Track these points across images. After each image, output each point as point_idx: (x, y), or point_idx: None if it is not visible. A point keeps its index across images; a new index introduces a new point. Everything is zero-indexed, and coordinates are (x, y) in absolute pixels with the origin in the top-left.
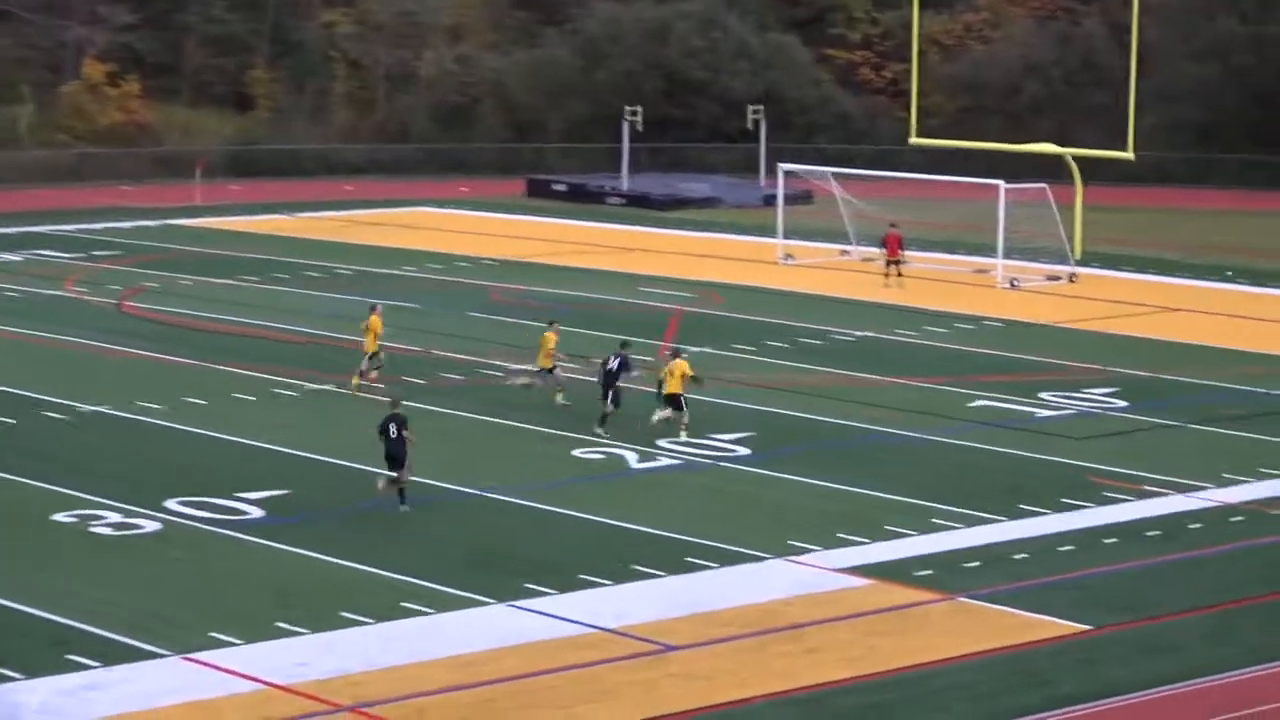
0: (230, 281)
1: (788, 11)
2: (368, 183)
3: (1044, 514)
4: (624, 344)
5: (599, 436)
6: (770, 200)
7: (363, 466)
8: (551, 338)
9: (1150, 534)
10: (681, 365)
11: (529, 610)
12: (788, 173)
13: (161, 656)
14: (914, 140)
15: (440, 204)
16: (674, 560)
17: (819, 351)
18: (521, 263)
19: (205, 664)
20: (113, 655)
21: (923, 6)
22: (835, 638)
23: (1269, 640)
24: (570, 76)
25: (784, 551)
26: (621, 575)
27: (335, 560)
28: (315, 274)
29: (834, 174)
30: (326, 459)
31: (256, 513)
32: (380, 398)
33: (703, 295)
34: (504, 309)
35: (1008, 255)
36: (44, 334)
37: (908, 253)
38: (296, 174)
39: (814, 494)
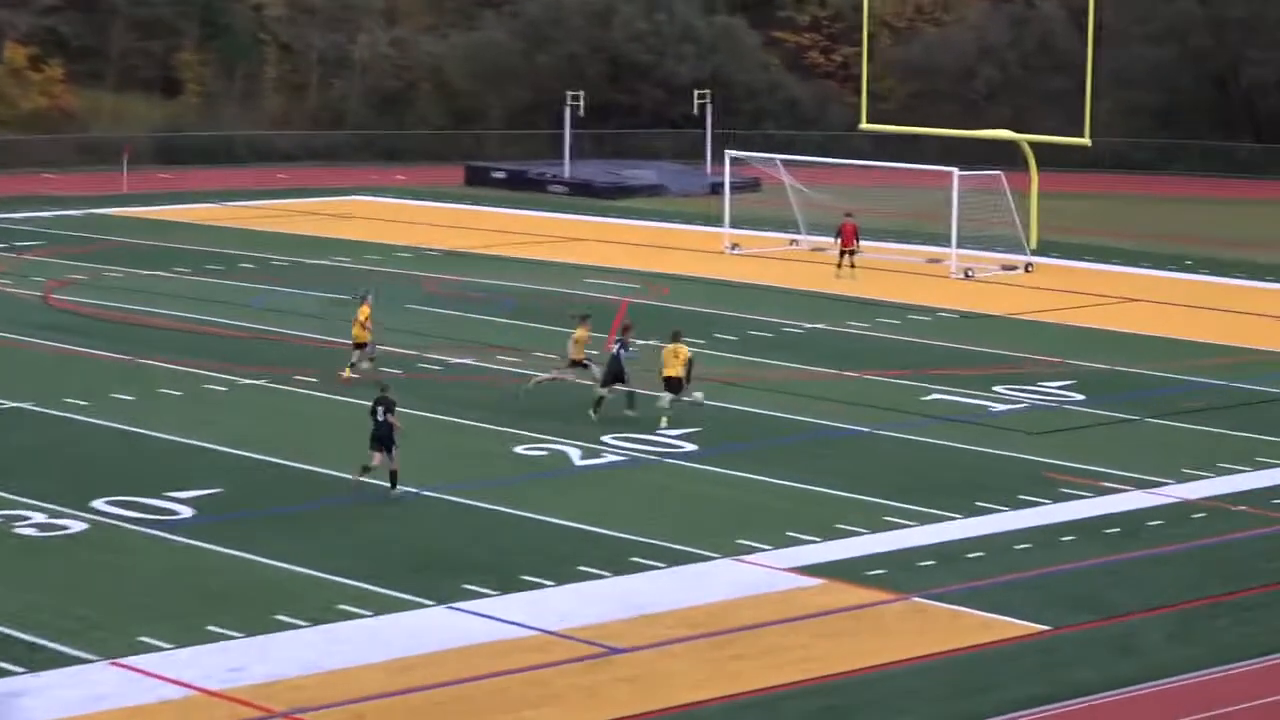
0: (159, 273)
1: None
2: (301, 170)
3: (1000, 511)
4: (625, 328)
5: (590, 418)
6: (717, 188)
7: (297, 464)
8: (682, 349)
9: (1109, 531)
10: (683, 350)
11: (470, 612)
12: (735, 159)
13: (89, 662)
14: (864, 126)
15: (376, 192)
16: (619, 560)
17: (768, 344)
18: (460, 253)
19: (135, 669)
20: (39, 661)
21: None
22: (786, 639)
23: (1232, 640)
24: (510, 60)
25: (733, 551)
26: (565, 576)
27: (269, 561)
28: (248, 265)
29: (782, 161)
30: (259, 456)
31: (187, 512)
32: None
33: (648, 286)
34: (443, 301)
35: (962, 244)
36: None
37: (861, 243)
38: (227, 161)
39: (763, 491)
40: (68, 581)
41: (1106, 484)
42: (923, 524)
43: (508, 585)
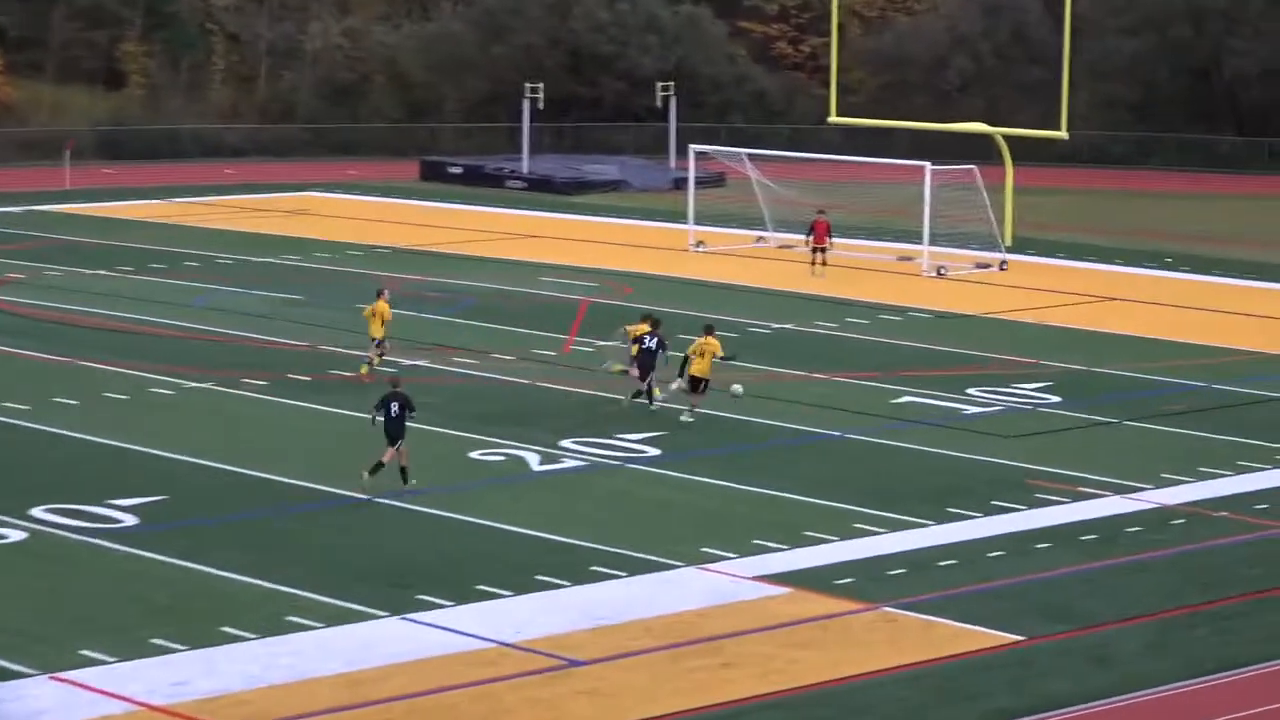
0: (102, 272)
1: None
2: (250, 165)
3: (974, 517)
4: (655, 322)
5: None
6: (681, 183)
7: (245, 471)
8: (713, 343)
9: (1086, 538)
10: (713, 344)
11: (423, 623)
12: (699, 154)
13: (28, 676)
14: (834, 119)
15: (328, 188)
16: (579, 569)
17: (734, 345)
18: (415, 251)
19: (75, 684)
20: None
21: None
22: (752, 650)
23: (1210, 651)
24: (467, 52)
25: (697, 559)
26: (523, 585)
27: (215, 571)
28: (193, 264)
29: (748, 155)
30: (206, 462)
31: (130, 520)
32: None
33: (609, 285)
34: (397, 301)
35: (934, 241)
36: None
37: (832, 240)
38: (173, 156)
39: (729, 497)
40: (5, 592)
41: (1083, 489)
42: (893, 531)
43: (463, 595)
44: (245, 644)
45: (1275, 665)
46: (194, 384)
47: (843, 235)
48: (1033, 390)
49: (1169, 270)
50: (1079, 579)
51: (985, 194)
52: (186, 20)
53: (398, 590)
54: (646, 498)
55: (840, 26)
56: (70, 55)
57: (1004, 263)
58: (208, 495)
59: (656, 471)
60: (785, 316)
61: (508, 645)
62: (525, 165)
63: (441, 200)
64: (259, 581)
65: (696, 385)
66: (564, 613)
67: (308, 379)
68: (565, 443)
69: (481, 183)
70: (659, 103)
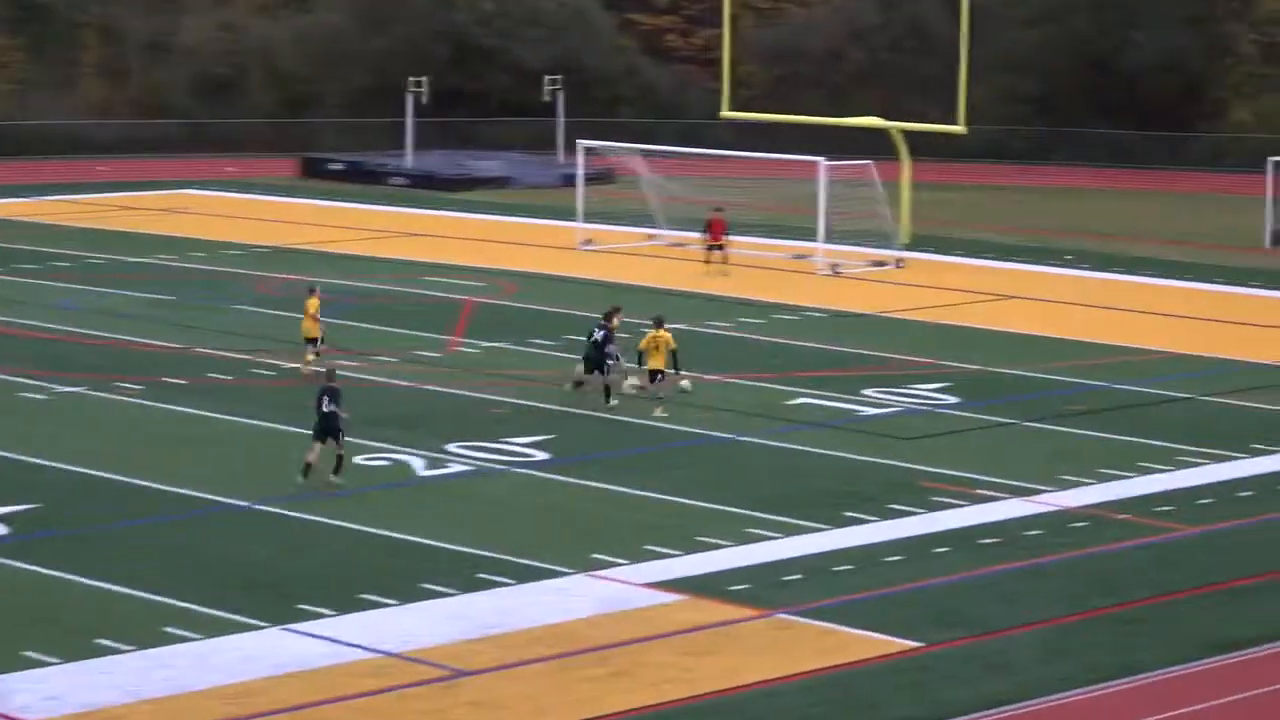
0: None
1: None
2: (122, 162)
3: (870, 521)
4: (607, 315)
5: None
6: (569, 180)
7: (121, 478)
8: (664, 336)
9: (984, 542)
10: (665, 337)
11: (306, 634)
12: (588, 149)
13: None
14: (726, 113)
15: (204, 185)
16: (466, 577)
17: (624, 346)
18: (294, 250)
19: None
20: None
21: None
22: (644, 659)
23: (1110, 657)
24: (347, 44)
25: (587, 566)
26: (408, 594)
27: (90, 582)
28: (64, 264)
29: (639, 151)
30: (80, 469)
31: (0, 530)
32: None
33: (495, 284)
34: (275, 301)
35: (829, 239)
36: None
37: (728, 237)
38: (42, 153)
39: (620, 503)
40: None
41: (982, 492)
42: (788, 536)
43: (346, 605)
44: (122, 656)
45: (1178, 670)
46: (66, 388)
47: (736, 233)
48: (930, 391)
49: (1069, 268)
50: (977, 584)
51: (882, 190)
52: (56, 13)
53: (279, 600)
54: (535, 503)
55: (733, 19)
56: None
57: (901, 260)
58: (82, 503)
59: (545, 476)
60: (677, 316)
61: (393, 656)
62: (409, 161)
63: (322, 198)
64: (135, 592)
65: (654, 377)
66: (451, 622)
67: (184, 382)
68: (451, 447)
69: (363, 179)
70: (546, 97)
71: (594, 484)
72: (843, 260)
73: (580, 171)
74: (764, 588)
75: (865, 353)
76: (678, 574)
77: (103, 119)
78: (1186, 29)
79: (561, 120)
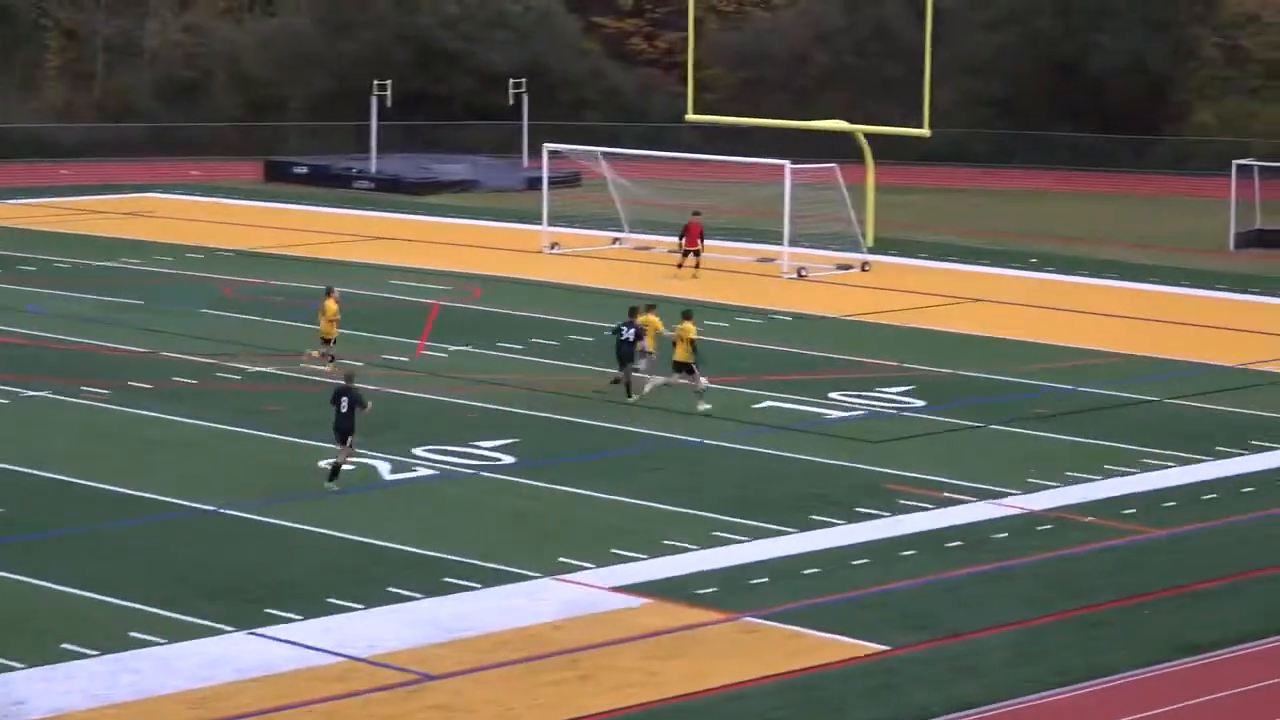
0: None
1: None
2: (86, 165)
3: (836, 525)
4: (633, 311)
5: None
6: (534, 183)
7: (86, 482)
8: (690, 328)
9: (951, 545)
10: (690, 329)
11: (272, 638)
12: (553, 153)
13: None
14: (691, 117)
15: (168, 189)
16: (432, 581)
17: (590, 350)
18: (259, 254)
19: None
20: None
21: None
22: (610, 663)
23: (1077, 660)
24: (311, 47)
25: (553, 570)
26: (374, 598)
27: (56, 586)
28: (29, 268)
29: (604, 154)
30: (45, 474)
31: None
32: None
33: (461, 288)
34: (240, 305)
35: (794, 242)
36: None
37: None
38: (4, 156)
39: (586, 506)
40: None
41: (948, 495)
42: (755, 539)
43: (312, 609)
44: (87, 661)
45: (1144, 673)
46: (31, 392)
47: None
48: (896, 394)
49: (1034, 271)
50: (944, 587)
51: (846, 193)
52: (19, 15)
53: (245, 604)
54: (501, 507)
55: (697, 22)
56: None
57: (866, 264)
58: (47, 507)
59: (511, 480)
60: None
61: (359, 660)
62: (373, 165)
63: (287, 201)
64: (101, 597)
65: (683, 369)
66: (417, 626)
67: (149, 386)
68: (418, 451)
69: (328, 183)
70: (511, 100)
71: (560, 487)
72: (808, 264)
73: (545, 174)
74: (730, 591)
75: (831, 356)
76: (644, 577)
77: (66, 122)
78: (1150, 32)
79: (526, 123)
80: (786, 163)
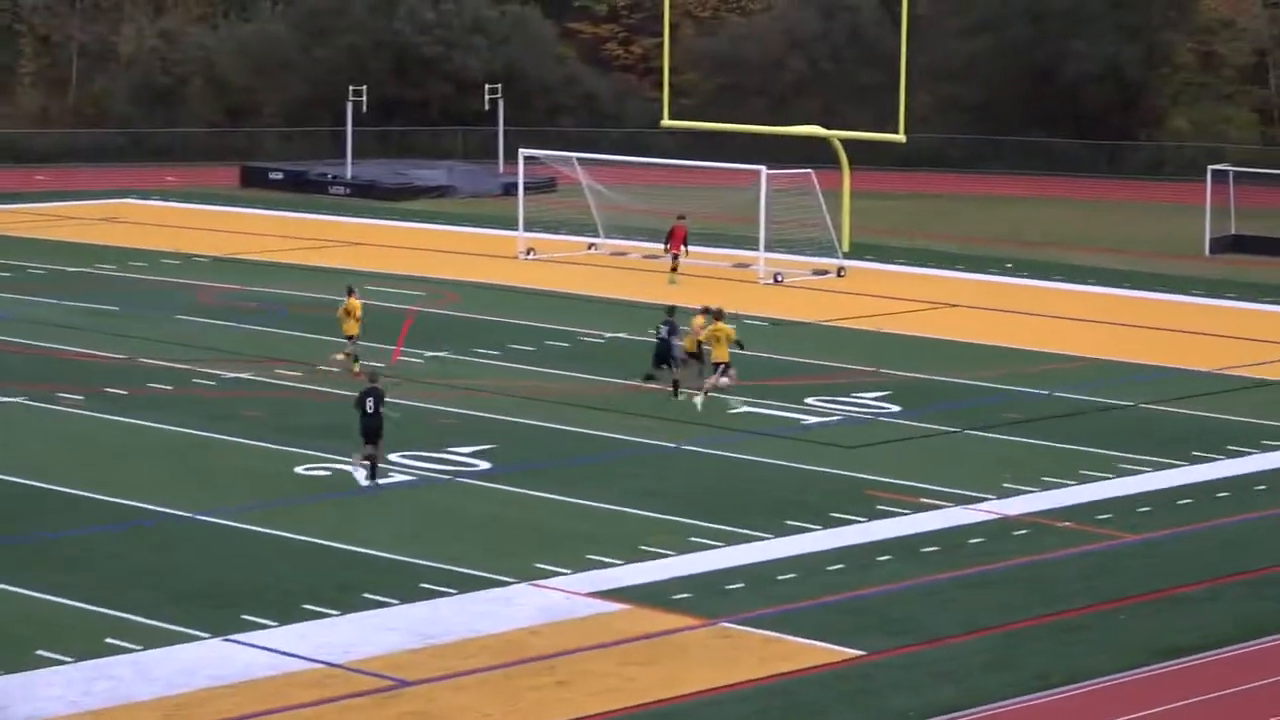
0: None
1: None
2: (62, 171)
3: (813, 530)
4: (670, 310)
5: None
6: (510, 188)
7: (61, 489)
8: (725, 329)
9: (927, 550)
10: (726, 329)
11: (247, 644)
12: (529, 158)
13: None
14: (666, 122)
15: (144, 195)
16: (408, 586)
17: (566, 355)
18: (235, 260)
19: None
20: None
21: None
22: (587, 668)
23: (1053, 665)
24: (287, 53)
25: (530, 575)
26: (350, 604)
27: (30, 592)
28: (4, 274)
29: (579, 159)
30: (20, 480)
31: None
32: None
33: (437, 294)
34: (216, 311)
35: (770, 248)
36: None
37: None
38: None
39: (562, 512)
40: None
41: (924, 500)
42: (731, 544)
43: (288, 615)
44: (62, 668)
45: (1122, 677)
46: (6, 399)
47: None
48: (872, 399)
49: (1009, 276)
50: (920, 592)
51: (822, 198)
52: None
53: (220, 610)
54: (477, 512)
55: (672, 27)
56: None
57: (842, 269)
58: (22, 514)
59: (487, 485)
60: (618, 325)
61: (335, 666)
62: (349, 171)
63: (262, 207)
64: (76, 603)
65: (716, 370)
66: (393, 632)
67: (125, 392)
68: (393, 456)
69: (304, 189)
70: (487, 106)
71: (536, 493)
72: (784, 269)
73: (521, 180)
74: (707, 597)
75: (807, 361)
76: (620, 583)
77: (42, 128)
78: (1124, 38)
79: (502, 129)
80: (762, 168)
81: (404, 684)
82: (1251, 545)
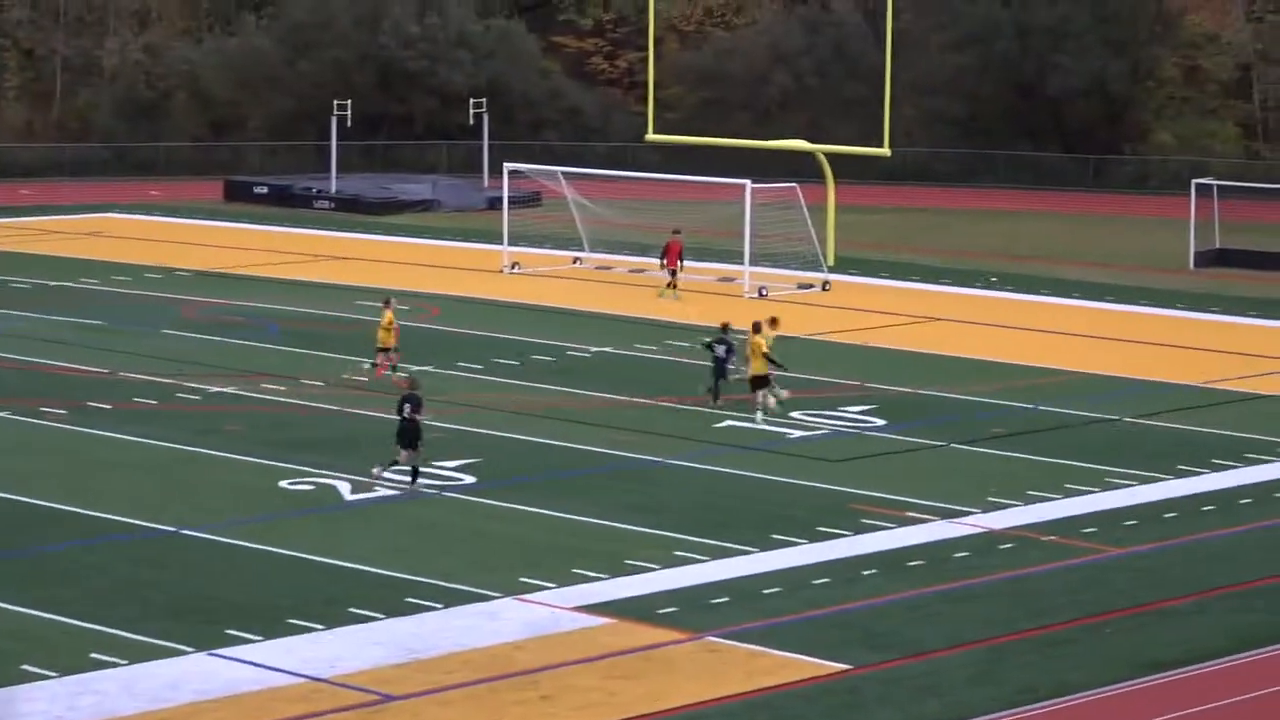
0: None
1: None
2: (46, 186)
3: (798, 544)
4: (725, 327)
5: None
6: (495, 203)
7: (46, 503)
8: (761, 342)
9: (913, 564)
10: (760, 343)
11: (233, 659)
12: (513, 172)
13: None
14: (651, 136)
15: (128, 209)
16: (393, 601)
17: (551, 369)
18: (219, 274)
19: None
20: None
21: None
22: (572, 683)
23: (1038, 679)
24: (272, 67)
25: (515, 590)
26: (335, 618)
27: (14, 608)
28: None
29: (564, 174)
30: (3, 495)
31: None
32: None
33: (422, 308)
34: (200, 326)
35: (755, 262)
36: None
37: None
38: None
39: (547, 526)
40: None
41: (910, 514)
42: (716, 559)
43: (273, 629)
44: (46, 683)
45: (1106, 691)
46: None
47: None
48: (857, 413)
49: (994, 290)
50: (905, 606)
51: (807, 213)
52: None
53: (205, 625)
54: (462, 527)
55: (657, 41)
56: None
57: (827, 283)
58: (6, 528)
59: (473, 500)
60: (603, 339)
61: (321, 680)
62: (333, 185)
63: (247, 221)
64: (61, 618)
65: (760, 384)
66: (379, 646)
67: (109, 407)
68: (379, 470)
69: (288, 203)
70: (471, 120)
71: (522, 507)
72: (769, 283)
73: (506, 194)
74: (692, 611)
75: (792, 375)
76: (606, 597)
77: (26, 142)
78: (1110, 53)
79: (486, 143)
80: (747, 182)
81: (389, 698)
82: (1237, 559)
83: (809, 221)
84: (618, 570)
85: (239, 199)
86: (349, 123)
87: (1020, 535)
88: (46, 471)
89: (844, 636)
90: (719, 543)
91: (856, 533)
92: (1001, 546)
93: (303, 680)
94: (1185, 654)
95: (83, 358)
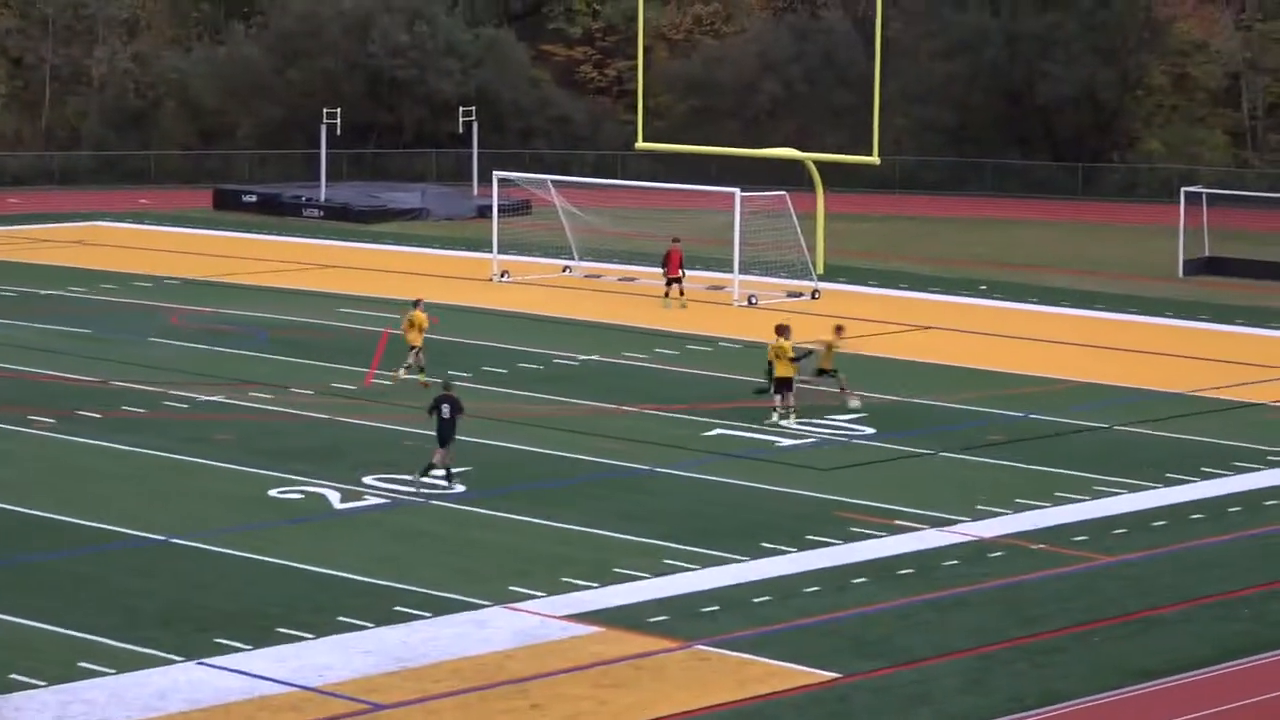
0: None
1: (501, 4)
2: (34, 194)
3: (788, 552)
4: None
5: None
6: (484, 211)
7: (36, 512)
8: (784, 345)
9: (903, 572)
10: (784, 347)
11: (221, 668)
12: (503, 181)
13: None
14: (641, 145)
15: (117, 217)
16: (382, 610)
17: (540, 378)
18: (208, 282)
19: None
20: None
21: None
22: (562, 692)
23: (1030, 686)
24: (261, 76)
25: (504, 598)
26: (324, 627)
27: (2, 616)
28: None
29: (554, 182)
30: None
31: None
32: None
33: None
34: (189, 334)
35: (745, 270)
36: None
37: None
38: None
39: (537, 535)
40: None
41: (899, 522)
42: (705, 567)
43: (262, 638)
44: (35, 692)
45: (1096, 699)
46: None
47: (651, 264)
48: (846, 421)
49: (983, 298)
50: (895, 614)
51: (796, 221)
52: None
53: (194, 634)
54: (452, 536)
55: (646, 50)
56: None
57: (816, 291)
58: None
59: (462, 509)
60: (592, 348)
61: (310, 689)
62: (323, 193)
63: (235, 230)
64: (49, 626)
65: (784, 386)
66: (367, 655)
67: (98, 415)
68: (367, 479)
69: (277, 211)
70: (461, 128)
71: (511, 516)
72: (759, 291)
73: (495, 203)
74: (682, 619)
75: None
76: (595, 606)
77: (14, 150)
78: (1099, 61)
79: (476, 151)
80: (737, 190)
81: (378, 707)
82: (1226, 567)
83: (798, 230)
84: (607, 578)
85: (228, 207)
86: (338, 131)
87: (1010, 543)
88: (33, 480)
89: (834, 645)
90: (708, 551)
91: (846, 541)
92: (991, 555)
93: (292, 689)
94: (1174, 662)
95: (71, 366)
